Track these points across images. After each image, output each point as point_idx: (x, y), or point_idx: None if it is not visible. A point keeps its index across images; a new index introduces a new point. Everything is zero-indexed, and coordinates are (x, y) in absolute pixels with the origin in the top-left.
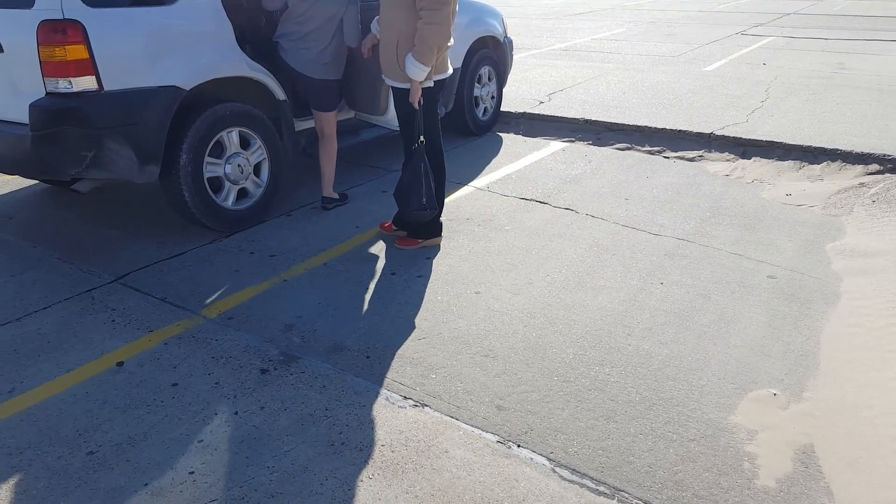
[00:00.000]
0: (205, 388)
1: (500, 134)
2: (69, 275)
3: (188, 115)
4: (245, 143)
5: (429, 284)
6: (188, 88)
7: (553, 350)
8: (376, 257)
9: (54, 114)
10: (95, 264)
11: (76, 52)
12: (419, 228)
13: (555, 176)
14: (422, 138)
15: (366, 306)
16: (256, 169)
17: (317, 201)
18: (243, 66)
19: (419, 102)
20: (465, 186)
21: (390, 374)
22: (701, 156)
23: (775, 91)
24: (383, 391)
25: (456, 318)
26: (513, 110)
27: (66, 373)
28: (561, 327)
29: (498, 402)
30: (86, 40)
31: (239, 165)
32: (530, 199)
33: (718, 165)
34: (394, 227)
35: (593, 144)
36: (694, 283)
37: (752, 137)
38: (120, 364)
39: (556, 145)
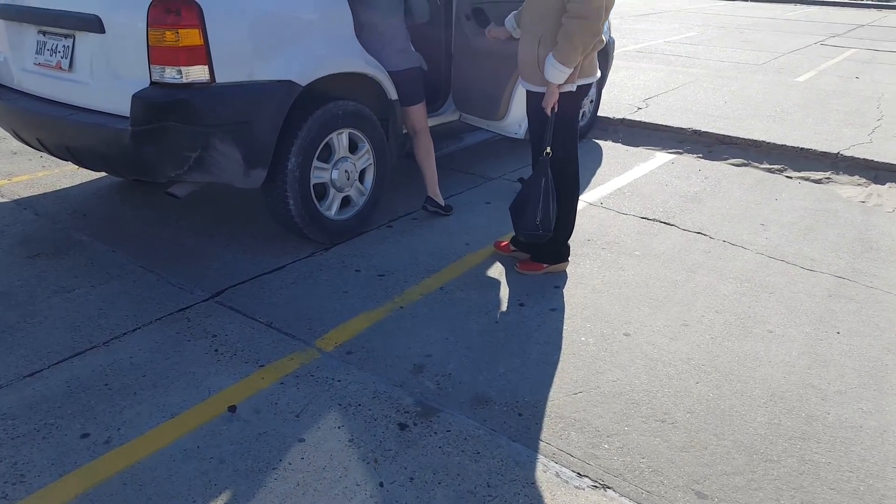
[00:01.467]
0: (338, 446)
1: (597, 141)
2: (157, 288)
3: (298, 113)
4: (353, 147)
5: (566, 321)
6: (304, 84)
7: (740, 417)
8: (497, 283)
9: (161, 106)
10: (184, 276)
11: (190, 36)
12: (544, 251)
13: (672, 192)
14: (548, 150)
15: (500, 346)
16: (361, 175)
17: (417, 211)
18: (360, 61)
19: (552, 109)
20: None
21: (553, 440)
22: (828, 178)
23: (887, 108)
24: (551, 464)
25: (611, 366)
26: (610, 116)
27: (170, 418)
28: (739, 386)
29: (696, 486)
30: (201, 24)
31: (346, 171)
32: (653, 220)
33: (850, 190)
34: (512, 248)
35: (704, 158)
36: (873, 332)
37: (886, 161)
38: (232, 409)
39: (662, 157)
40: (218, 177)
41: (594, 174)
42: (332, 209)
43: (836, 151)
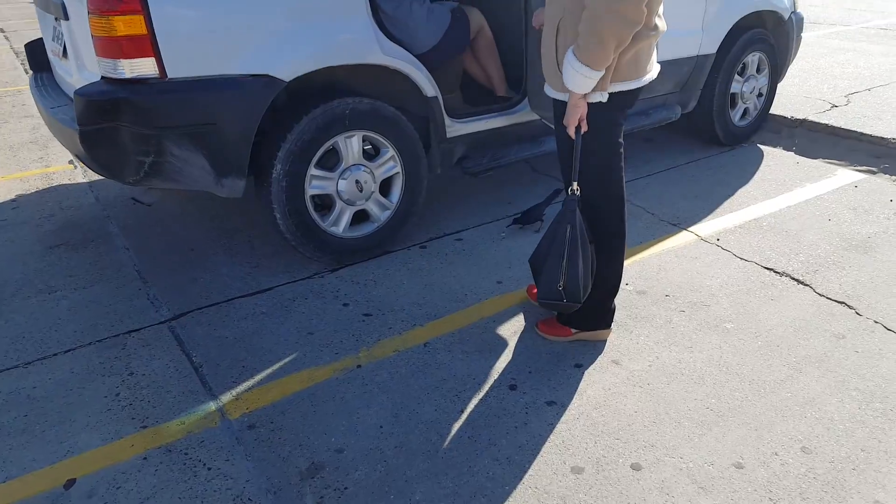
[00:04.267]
0: None
1: (763, 147)
2: (130, 300)
3: (293, 111)
4: (372, 152)
5: (559, 425)
6: (288, 79)
7: None
8: (501, 347)
9: (101, 105)
10: (166, 289)
11: (132, 24)
12: (576, 310)
13: (832, 232)
14: (575, 186)
15: (442, 454)
16: (385, 186)
17: (467, 231)
18: (375, 50)
19: (578, 128)
20: (682, 231)
21: None
22: None
23: None
24: None
25: None
26: (787, 115)
27: (11, 479)
28: None
29: None
30: (145, 9)
31: (357, 181)
32: (781, 273)
33: None
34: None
35: None
36: None
37: None
38: (69, 484)
39: (845, 176)
40: (186, 184)
41: (732, 193)
42: (339, 225)
43: None
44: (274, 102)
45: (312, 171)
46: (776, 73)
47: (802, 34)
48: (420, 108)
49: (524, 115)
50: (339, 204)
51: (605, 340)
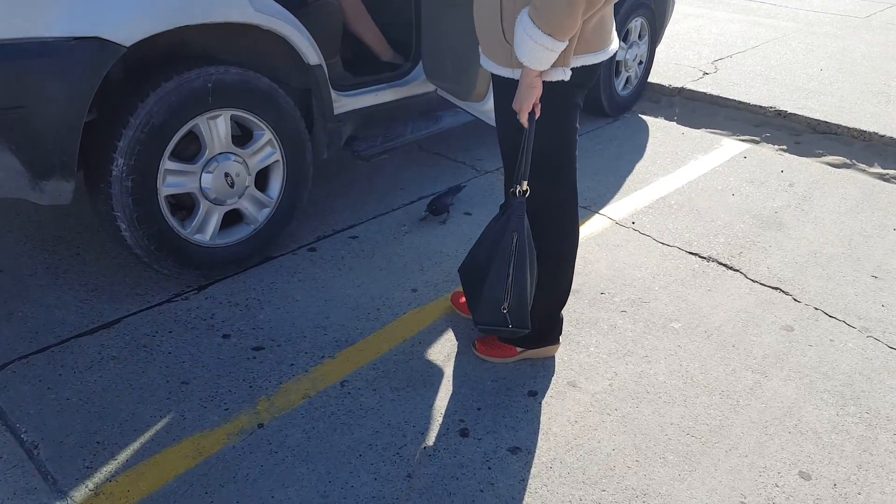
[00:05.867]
0: None
1: (644, 117)
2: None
3: (136, 87)
4: (244, 137)
5: (531, 480)
6: (127, 44)
7: None
8: (436, 376)
9: None
10: (43, 321)
11: None
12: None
13: (741, 208)
14: (525, 185)
15: None
16: (262, 178)
17: (361, 225)
18: (243, 5)
19: (533, 112)
20: (595, 214)
21: None
22: None
23: None
24: None
25: None
26: (665, 83)
27: None
28: None
29: None
30: None
31: (227, 174)
32: (708, 259)
33: None
34: None
35: (790, 152)
36: None
37: None
38: None
39: (731, 147)
40: None
41: (631, 169)
42: (206, 231)
43: None
44: (109, 76)
45: (167, 164)
46: (654, 40)
47: None
48: (301, 79)
49: (419, 85)
50: (203, 204)
51: (554, 356)
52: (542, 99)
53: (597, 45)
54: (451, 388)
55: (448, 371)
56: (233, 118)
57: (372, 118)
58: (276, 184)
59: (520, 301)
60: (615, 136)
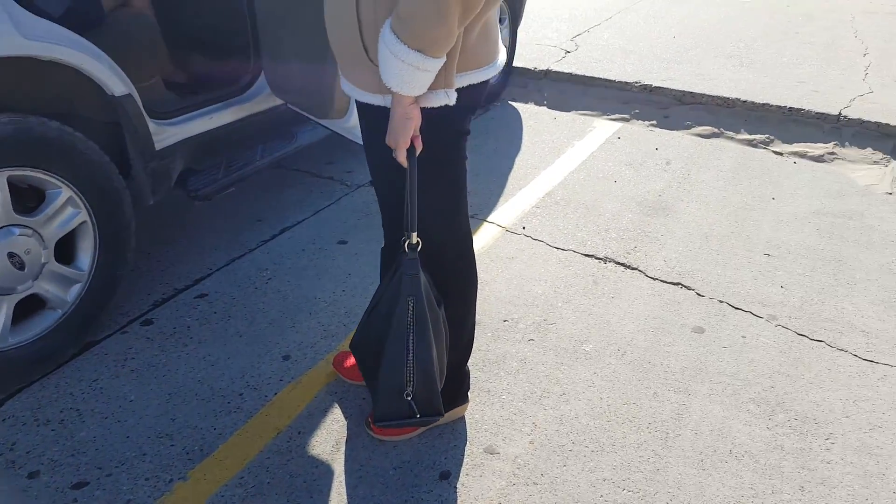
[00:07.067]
0: None
1: (515, 104)
2: None
3: None
4: (34, 199)
5: None
6: None
7: None
8: (325, 477)
9: None
10: None
11: None
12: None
13: (626, 196)
14: (415, 237)
15: None
16: (66, 246)
17: (211, 276)
18: (9, 34)
19: (412, 147)
20: (484, 223)
21: None
22: (832, 153)
23: (865, 34)
24: None
25: None
26: (530, 66)
27: None
28: None
29: None
30: None
31: (13, 254)
32: (605, 259)
33: (865, 171)
34: None
35: (661, 126)
36: None
37: None
38: None
39: (604, 128)
40: None
41: (511, 165)
42: None
43: (836, 112)
44: None
45: None
46: (515, 20)
47: None
48: (105, 113)
49: (264, 100)
50: None
51: (465, 416)
52: (422, 129)
53: (484, 59)
54: (344, 492)
55: (338, 466)
56: (11, 180)
57: (210, 146)
58: (85, 252)
59: (426, 383)
60: (489, 129)
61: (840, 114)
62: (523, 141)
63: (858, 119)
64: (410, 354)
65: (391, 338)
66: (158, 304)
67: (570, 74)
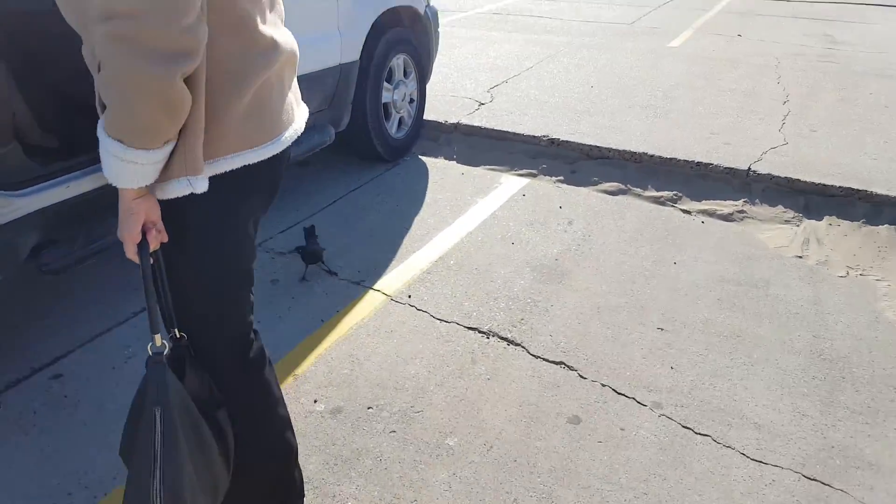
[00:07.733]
0: None
1: (425, 158)
2: None
3: None
4: None
5: None
6: None
7: None
8: None
9: None
10: None
11: None
12: None
13: (521, 260)
14: (176, 331)
15: None
16: None
17: (73, 353)
18: None
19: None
20: (369, 291)
21: None
22: (741, 211)
23: (789, 84)
24: None
25: None
26: (441, 119)
27: None
28: None
29: None
30: None
31: None
32: (487, 333)
33: (776, 233)
34: None
35: (567, 183)
36: None
37: (813, 179)
38: None
39: (511, 184)
40: None
41: (409, 226)
42: None
43: (745, 167)
44: None
45: None
46: (423, 76)
47: (440, 29)
48: None
49: None
50: None
51: None
52: (176, 219)
53: (259, 137)
54: None
55: None
56: None
57: (69, 216)
58: None
59: (174, 493)
60: (393, 185)
61: (749, 169)
62: (426, 199)
63: (768, 174)
64: (156, 479)
65: (137, 452)
66: (11, 386)
67: (480, 128)
